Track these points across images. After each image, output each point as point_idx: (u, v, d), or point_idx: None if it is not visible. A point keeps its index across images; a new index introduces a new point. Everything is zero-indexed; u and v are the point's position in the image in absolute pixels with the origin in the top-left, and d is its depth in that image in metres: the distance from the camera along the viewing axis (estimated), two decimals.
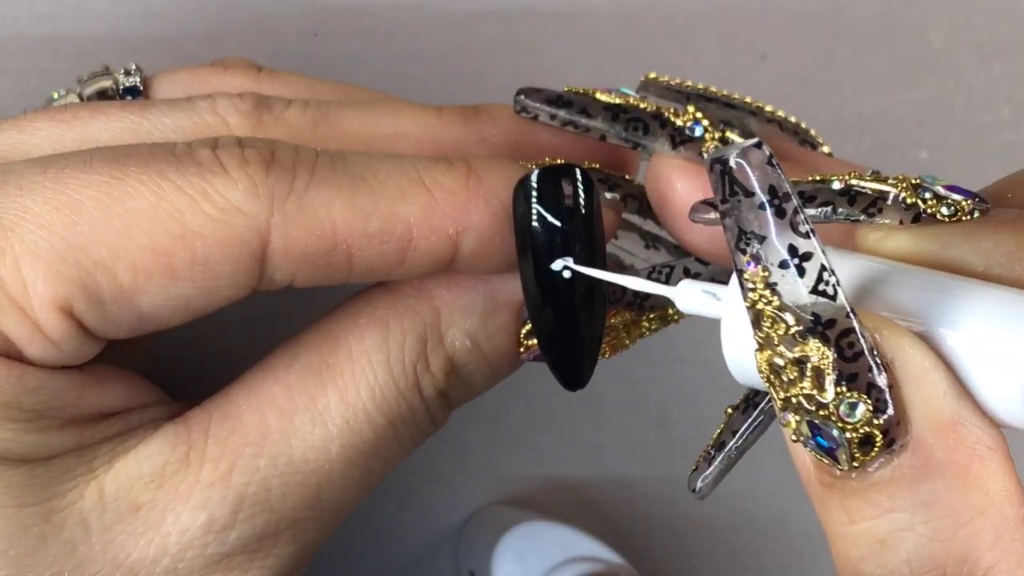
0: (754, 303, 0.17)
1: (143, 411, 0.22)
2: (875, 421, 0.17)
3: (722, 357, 0.19)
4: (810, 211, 0.19)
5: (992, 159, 0.44)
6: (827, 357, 0.17)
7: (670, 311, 0.24)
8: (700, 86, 0.25)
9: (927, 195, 0.19)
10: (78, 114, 0.24)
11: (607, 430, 0.42)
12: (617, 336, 0.24)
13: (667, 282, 0.24)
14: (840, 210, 0.19)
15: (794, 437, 0.17)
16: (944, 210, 0.19)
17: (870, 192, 0.19)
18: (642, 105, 0.23)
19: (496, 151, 0.25)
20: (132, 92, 0.27)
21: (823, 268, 0.17)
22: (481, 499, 0.42)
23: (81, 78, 0.28)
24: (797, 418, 0.17)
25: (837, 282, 0.17)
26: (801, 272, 0.17)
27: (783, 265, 0.17)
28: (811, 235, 0.17)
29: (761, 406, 0.22)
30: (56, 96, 0.28)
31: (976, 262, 0.18)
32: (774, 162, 0.16)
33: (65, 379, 0.21)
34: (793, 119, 0.26)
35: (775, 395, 0.17)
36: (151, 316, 0.21)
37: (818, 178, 0.20)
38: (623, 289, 0.23)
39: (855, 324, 0.17)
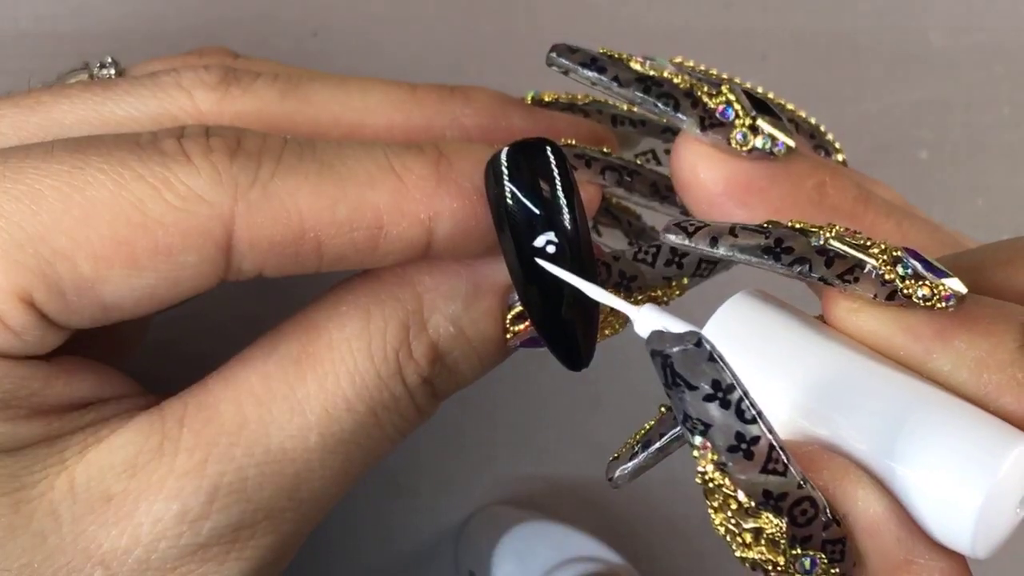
0: (704, 479, 0.17)
1: (117, 402, 0.22)
2: (832, 571, 0.17)
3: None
4: (779, 267, 0.19)
5: (992, 159, 0.44)
6: (780, 527, 0.17)
7: (658, 292, 0.24)
8: (724, 76, 0.25)
9: (906, 272, 0.18)
10: (41, 99, 0.23)
11: (607, 430, 0.42)
12: (605, 319, 0.23)
13: (652, 264, 0.23)
14: (815, 271, 0.19)
15: None
16: (920, 292, 0.18)
17: (849, 258, 0.19)
18: (676, 80, 0.23)
19: (468, 133, 0.24)
20: None
21: (772, 448, 0.17)
22: (481, 499, 0.42)
23: (61, 74, 0.27)
24: (756, 566, 0.17)
25: (787, 459, 0.17)
26: (749, 456, 0.17)
27: (731, 450, 0.17)
28: (758, 419, 0.16)
29: None
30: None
31: (944, 363, 0.18)
32: (716, 355, 0.16)
33: (29, 368, 0.21)
34: (813, 120, 0.26)
35: (733, 549, 0.18)
36: (115, 305, 0.20)
37: (799, 226, 0.20)
38: (608, 270, 0.23)
39: (808, 493, 0.17)
